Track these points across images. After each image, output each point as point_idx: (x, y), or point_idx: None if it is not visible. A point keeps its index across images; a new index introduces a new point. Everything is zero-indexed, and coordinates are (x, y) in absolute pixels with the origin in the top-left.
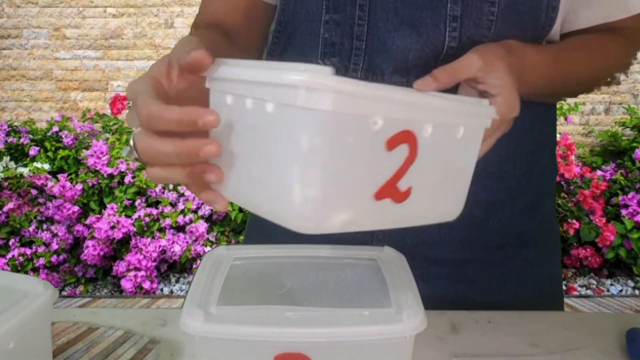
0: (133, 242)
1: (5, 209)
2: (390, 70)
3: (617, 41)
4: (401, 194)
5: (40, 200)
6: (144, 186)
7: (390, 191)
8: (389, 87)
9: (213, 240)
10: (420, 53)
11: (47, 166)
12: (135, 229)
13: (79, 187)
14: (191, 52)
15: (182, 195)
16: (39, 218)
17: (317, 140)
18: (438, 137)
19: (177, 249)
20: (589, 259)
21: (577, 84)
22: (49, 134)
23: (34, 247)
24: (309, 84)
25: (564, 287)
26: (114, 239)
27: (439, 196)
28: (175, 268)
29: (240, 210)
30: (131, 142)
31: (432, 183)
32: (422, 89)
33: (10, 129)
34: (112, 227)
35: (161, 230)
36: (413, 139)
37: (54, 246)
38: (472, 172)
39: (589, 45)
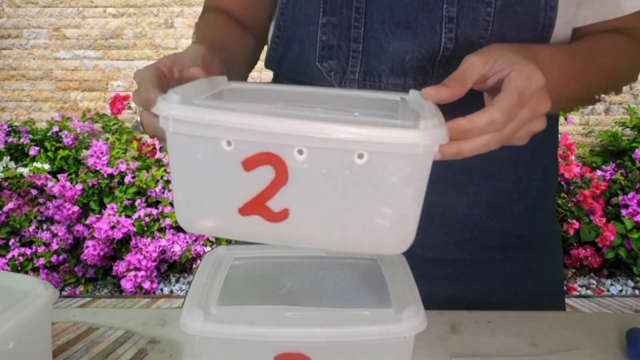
0: (133, 242)
1: (5, 209)
2: (387, 72)
3: (627, 42)
4: (274, 214)
5: (40, 200)
6: (144, 186)
7: (259, 209)
8: (243, 112)
9: (213, 240)
10: (417, 54)
11: (47, 166)
12: (135, 229)
13: (79, 187)
14: (191, 67)
15: None
16: (39, 218)
17: (172, 155)
18: (320, 163)
19: (177, 249)
20: (589, 259)
21: (596, 84)
22: (49, 134)
23: (34, 247)
24: (160, 111)
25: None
26: (114, 239)
27: (349, 224)
28: (175, 268)
29: None
30: (138, 118)
31: (322, 209)
32: (432, 97)
33: (10, 129)
34: (112, 227)
35: (161, 230)
36: (279, 162)
37: (54, 246)
38: (416, 202)
39: (600, 44)
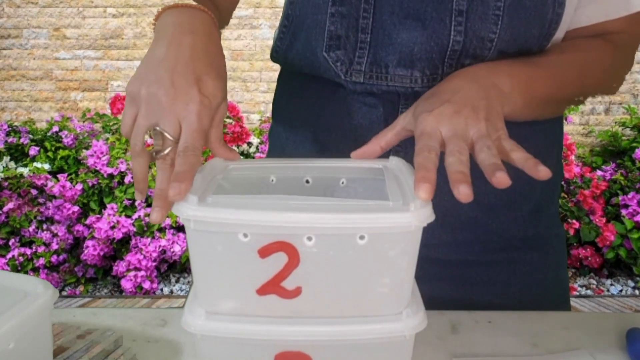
0: (133, 242)
1: (5, 209)
2: (394, 63)
3: (608, 49)
4: (289, 292)
5: (40, 200)
6: None
7: (274, 289)
8: (257, 209)
9: None
10: (426, 47)
11: (47, 166)
12: (135, 229)
13: (79, 187)
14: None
15: None
16: (39, 218)
17: (193, 248)
18: (327, 246)
19: (177, 249)
20: (589, 259)
21: (568, 84)
22: (49, 134)
23: (34, 247)
24: (181, 213)
25: None
26: (114, 239)
27: (354, 294)
28: (175, 268)
29: None
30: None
31: (331, 284)
32: (360, 156)
33: (10, 129)
34: (112, 227)
35: (161, 230)
36: (291, 248)
37: (54, 246)
38: (410, 269)
39: (581, 52)
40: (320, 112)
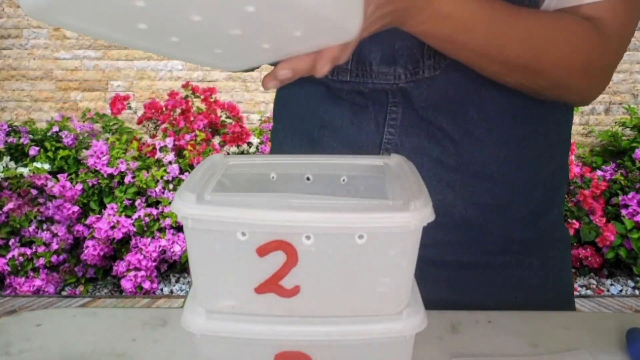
0: (133, 242)
1: (5, 209)
2: (377, 61)
3: (590, 31)
4: (287, 290)
5: (40, 200)
6: (144, 186)
7: (273, 288)
8: (255, 208)
9: None
10: (407, 42)
11: (47, 166)
12: (135, 229)
13: (79, 187)
14: None
15: None
16: (39, 218)
17: (191, 246)
18: (326, 245)
19: (177, 249)
20: (589, 259)
21: (515, 45)
22: (49, 134)
23: (34, 247)
24: (178, 211)
25: None
26: (114, 239)
27: (353, 294)
28: (175, 268)
29: None
30: None
31: (330, 283)
32: (268, 86)
33: (10, 129)
34: (112, 227)
35: (161, 230)
36: (289, 247)
37: (54, 246)
38: (410, 269)
39: (543, 14)
40: (314, 110)
